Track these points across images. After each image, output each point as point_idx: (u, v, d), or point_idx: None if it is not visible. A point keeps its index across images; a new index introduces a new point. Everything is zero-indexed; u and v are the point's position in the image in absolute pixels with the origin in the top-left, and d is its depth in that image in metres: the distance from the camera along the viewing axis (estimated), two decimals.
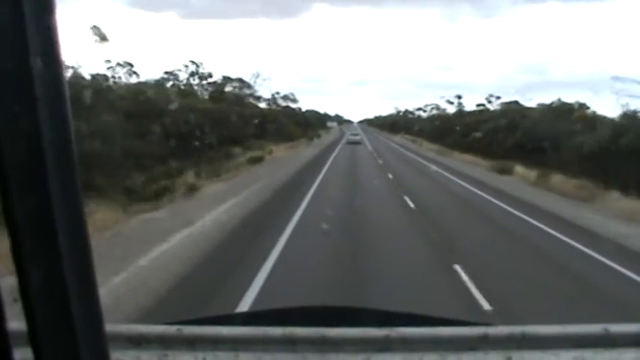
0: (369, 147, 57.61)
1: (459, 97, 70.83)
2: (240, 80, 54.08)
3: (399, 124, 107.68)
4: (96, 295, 0.72)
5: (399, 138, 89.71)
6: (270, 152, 39.05)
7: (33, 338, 0.68)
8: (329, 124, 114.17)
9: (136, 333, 1.29)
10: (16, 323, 0.72)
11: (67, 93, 0.68)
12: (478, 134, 47.85)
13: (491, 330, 1.34)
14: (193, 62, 47.07)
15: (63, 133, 0.68)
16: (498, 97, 58.73)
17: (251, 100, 55.20)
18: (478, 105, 60.64)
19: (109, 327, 0.83)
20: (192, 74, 46.79)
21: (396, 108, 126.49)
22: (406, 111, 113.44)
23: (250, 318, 1.77)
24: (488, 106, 58.19)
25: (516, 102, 51.15)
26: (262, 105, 59.12)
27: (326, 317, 1.48)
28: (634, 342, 1.31)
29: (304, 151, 45.50)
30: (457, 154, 45.12)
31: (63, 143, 0.68)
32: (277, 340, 1.29)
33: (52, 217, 0.67)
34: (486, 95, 65.81)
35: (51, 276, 0.67)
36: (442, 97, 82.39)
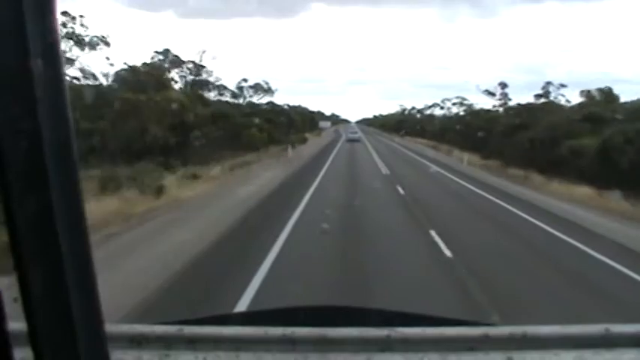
0: (384, 169, 30.14)
1: (504, 85, 48.23)
2: (167, 58, 36.46)
3: (406, 124, 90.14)
4: (96, 294, 0.72)
5: (408, 142, 67.95)
6: (163, 192, 16.67)
7: (33, 338, 0.68)
8: (321, 124, 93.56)
9: (137, 333, 1.30)
10: (17, 323, 0.73)
11: (68, 94, 0.69)
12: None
13: (492, 330, 1.34)
14: (66, 13, 26.91)
15: (63, 134, 0.68)
16: (563, 85, 38.99)
17: (204, 91, 39.54)
18: (538, 96, 39.33)
19: (110, 327, 0.83)
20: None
21: (401, 106, 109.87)
22: (413, 109, 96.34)
23: (251, 318, 1.77)
24: (550, 99, 38.82)
25: (609, 89, 36.17)
26: (211, 95, 41.38)
27: (326, 317, 1.48)
28: (634, 342, 1.31)
29: (251, 183, 21.13)
30: (540, 180, 24.69)
31: (63, 144, 0.68)
32: (278, 340, 1.29)
33: (52, 217, 0.67)
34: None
35: (51, 276, 0.68)
36: (478, 88, 52.97)
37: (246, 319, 1.73)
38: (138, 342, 1.28)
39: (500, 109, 47.34)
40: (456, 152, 43.19)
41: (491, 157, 35.64)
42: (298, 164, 30.80)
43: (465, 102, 60.60)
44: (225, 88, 45.75)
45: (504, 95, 47.38)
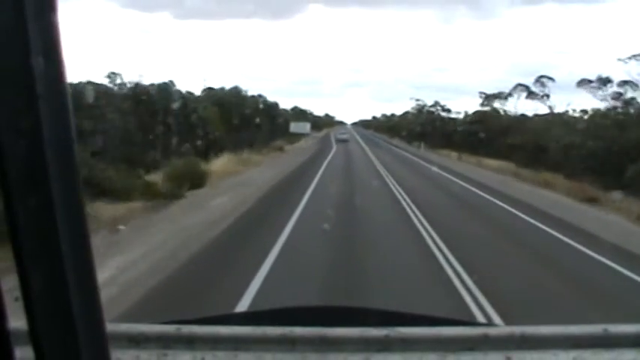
0: None
1: None
2: None
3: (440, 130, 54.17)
4: (96, 294, 0.71)
5: (474, 172, 28.83)
6: None
7: (34, 337, 0.68)
8: (294, 127, 56.37)
9: (136, 332, 1.29)
10: (17, 322, 0.72)
11: (69, 92, 0.68)
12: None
13: (491, 330, 1.34)
14: None
15: (64, 132, 0.68)
16: None
17: None
18: None
19: (109, 326, 0.82)
20: None
21: (418, 101, 66.16)
22: (435, 105, 61.44)
23: (250, 318, 1.77)
24: None
25: None
26: None
27: (326, 317, 1.48)
28: (633, 342, 1.32)
29: None
30: None
31: (64, 142, 0.68)
32: (277, 339, 1.28)
33: (53, 216, 0.67)
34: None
35: (52, 275, 0.67)
36: None
37: (245, 319, 1.73)
38: (136, 341, 1.28)
39: None
40: None
41: None
42: None
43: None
44: None
45: None
